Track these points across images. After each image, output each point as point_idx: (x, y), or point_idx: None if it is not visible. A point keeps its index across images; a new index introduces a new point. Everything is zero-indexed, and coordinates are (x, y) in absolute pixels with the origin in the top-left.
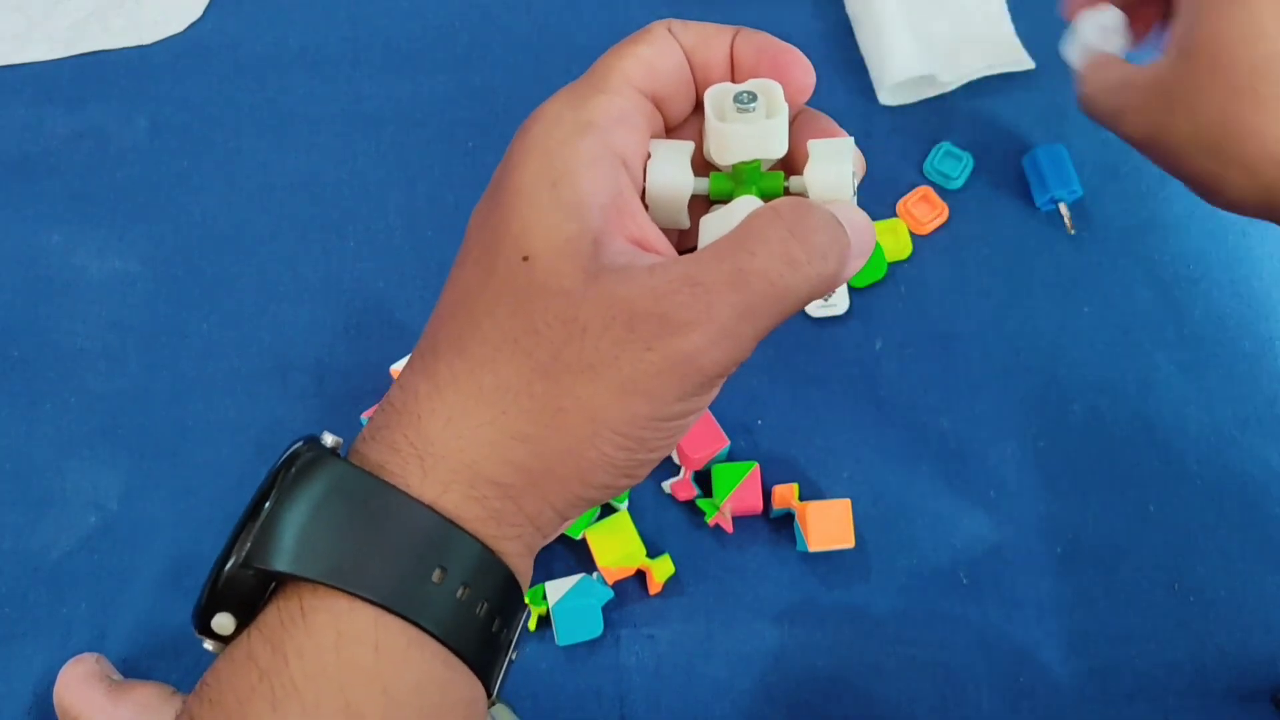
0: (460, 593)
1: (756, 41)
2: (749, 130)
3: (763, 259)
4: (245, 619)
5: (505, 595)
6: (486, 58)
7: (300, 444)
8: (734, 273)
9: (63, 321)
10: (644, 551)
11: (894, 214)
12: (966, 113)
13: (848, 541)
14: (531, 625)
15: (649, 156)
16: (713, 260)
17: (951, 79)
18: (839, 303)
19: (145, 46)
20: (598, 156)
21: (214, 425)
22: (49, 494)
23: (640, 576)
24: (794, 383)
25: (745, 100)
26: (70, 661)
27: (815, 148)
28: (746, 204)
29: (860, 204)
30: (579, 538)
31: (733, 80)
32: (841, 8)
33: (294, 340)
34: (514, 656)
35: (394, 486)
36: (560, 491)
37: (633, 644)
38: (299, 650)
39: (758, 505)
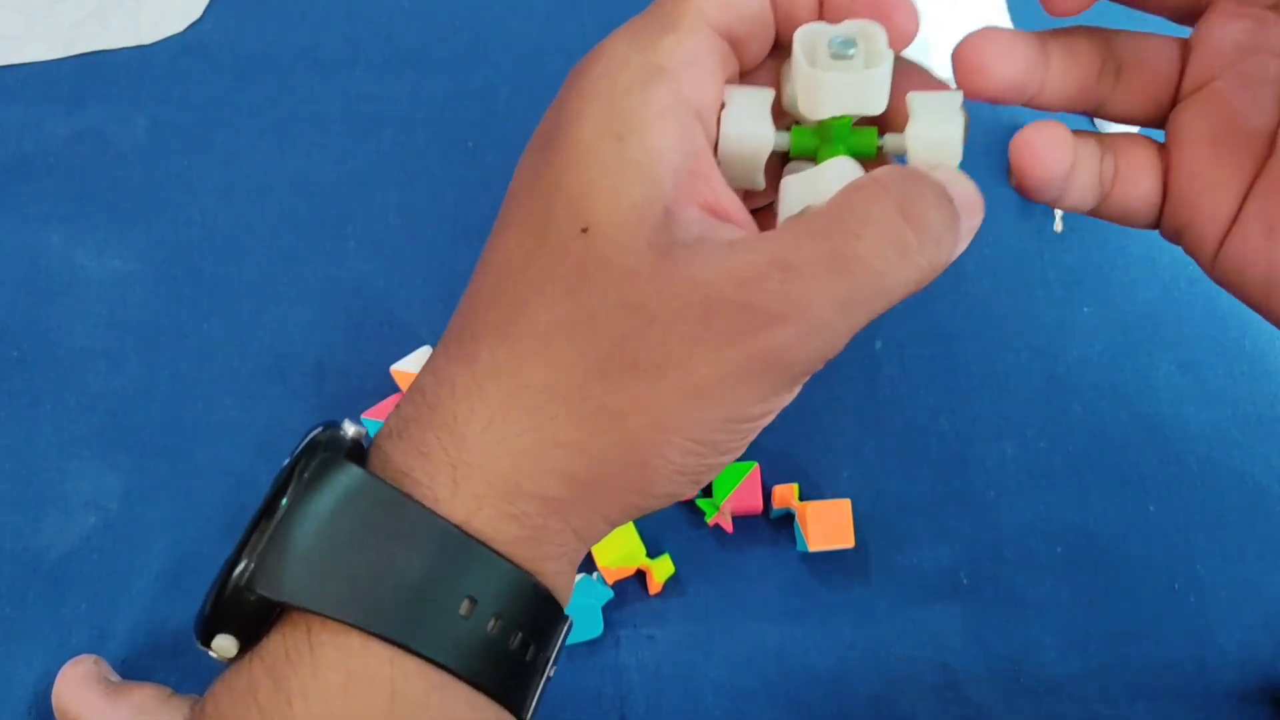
0: (491, 625)
1: None
2: (846, 81)
3: (869, 243)
4: (249, 641)
5: (543, 619)
6: (486, 58)
7: (320, 431)
8: (834, 257)
9: (63, 321)
10: (644, 551)
11: None
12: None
13: (848, 541)
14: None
15: (723, 106)
16: (808, 240)
17: (950, 78)
18: None
19: (145, 46)
20: (669, 107)
21: (214, 425)
22: (49, 494)
23: (640, 576)
24: None
25: (843, 45)
26: (69, 663)
27: (918, 102)
28: (840, 167)
29: None
30: None
31: (822, 19)
32: None
33: (294, 340)
34: (551, 674)
35: (420, 503)
36: (615, 502)
37: (633, 644)
38: (303, 691)
39: (758, 505)
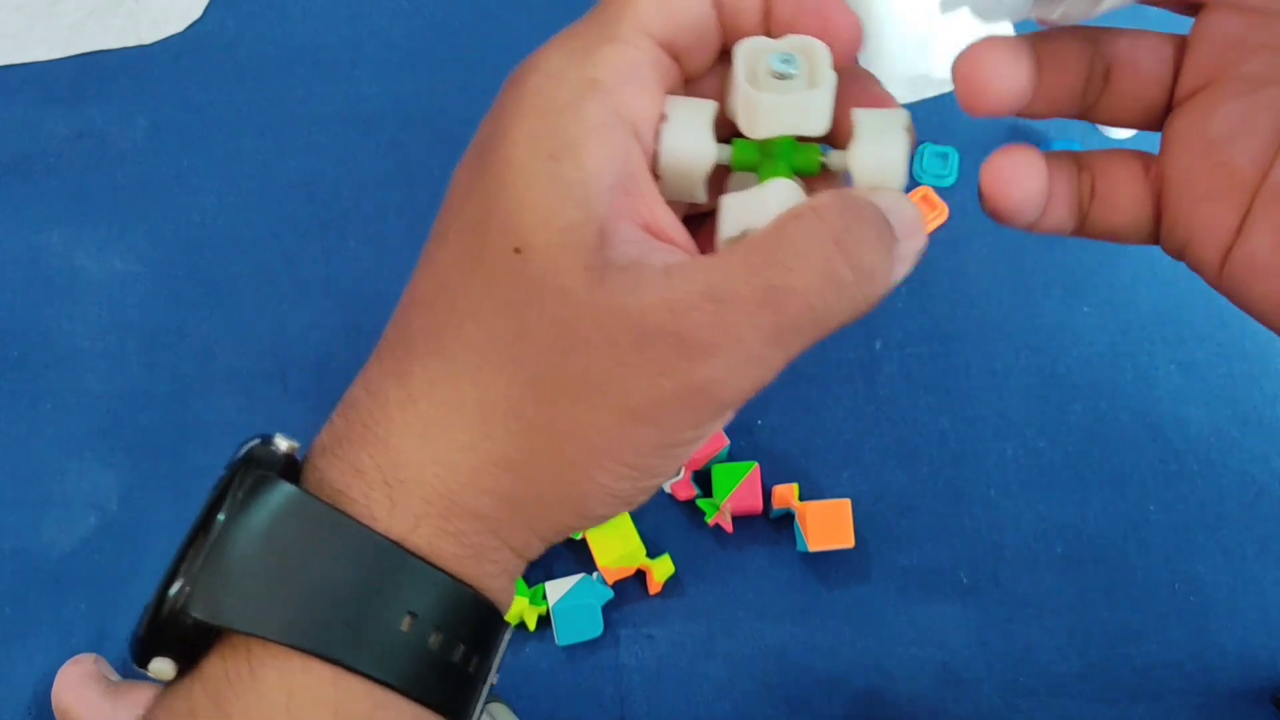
0: (433, 639)
1: None
2: (787, 101)
3: (801, 276)
4: (187, 662)
5: (485, 629)
6: (486, 58)
7: (255, 444)
8: (766, 290)
9: (63, 321)
10: (644, 551)
11: None
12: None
13: (848, 541)
14: (531, 625)
15: (663, 118)
16: (742, 272)
17: (949, 77)
18: None
19: (145, 46)
20: (606, 124)
21: (214, 425)
22: (49, 494)
23: (640, 576)
24: (794, 383)
25: (785, 64)
26: (68, 662)
27: (862, 120)
28: (780, 189)
29: None
30: (579, 538)
31: (767, 31)
32: None
33: (294, 340)
34: (495, 681)
35: (357, 521)
36: (549, 522)
37: (633, 644)
38: (245, 714)
39: (758, 505)
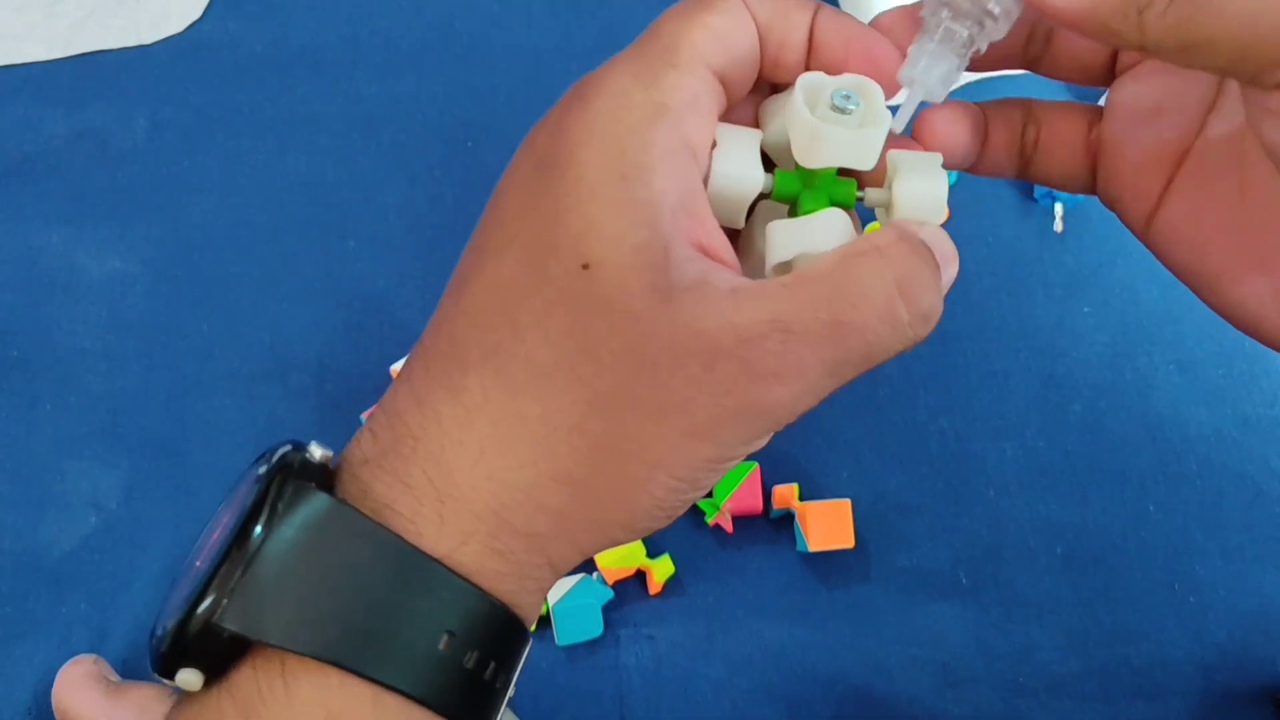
0: (468, 658)
1: (843, 26)
2: (848, 136)
3: (865, 314)
4: (214, 674)
5: (514, 647)
6: (486, 58)
7: (289, 451)
8: (831, 325)
9: (63, 321)
10: (644, 551)
11: None
12: None
13: (848, 541)
14: (531, 625)
15: (714, 145)
16: (809, 305)
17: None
18: None
19: (145, 46)
20: (672, 149)
21: (214, 425)
22: (49, 494)
23: (640, 576)
24: None
25: (845, 100)
26: (68, 663)
27: (903, 159)
28: (831, 219)
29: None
30: None
31: (808, 66)
32: (836, 6)
33: (294, 340)
34: (512, 694)
35: (402, 538)
36: (594, 535)
37: (633, 644)
38: None
39: (758, 505)
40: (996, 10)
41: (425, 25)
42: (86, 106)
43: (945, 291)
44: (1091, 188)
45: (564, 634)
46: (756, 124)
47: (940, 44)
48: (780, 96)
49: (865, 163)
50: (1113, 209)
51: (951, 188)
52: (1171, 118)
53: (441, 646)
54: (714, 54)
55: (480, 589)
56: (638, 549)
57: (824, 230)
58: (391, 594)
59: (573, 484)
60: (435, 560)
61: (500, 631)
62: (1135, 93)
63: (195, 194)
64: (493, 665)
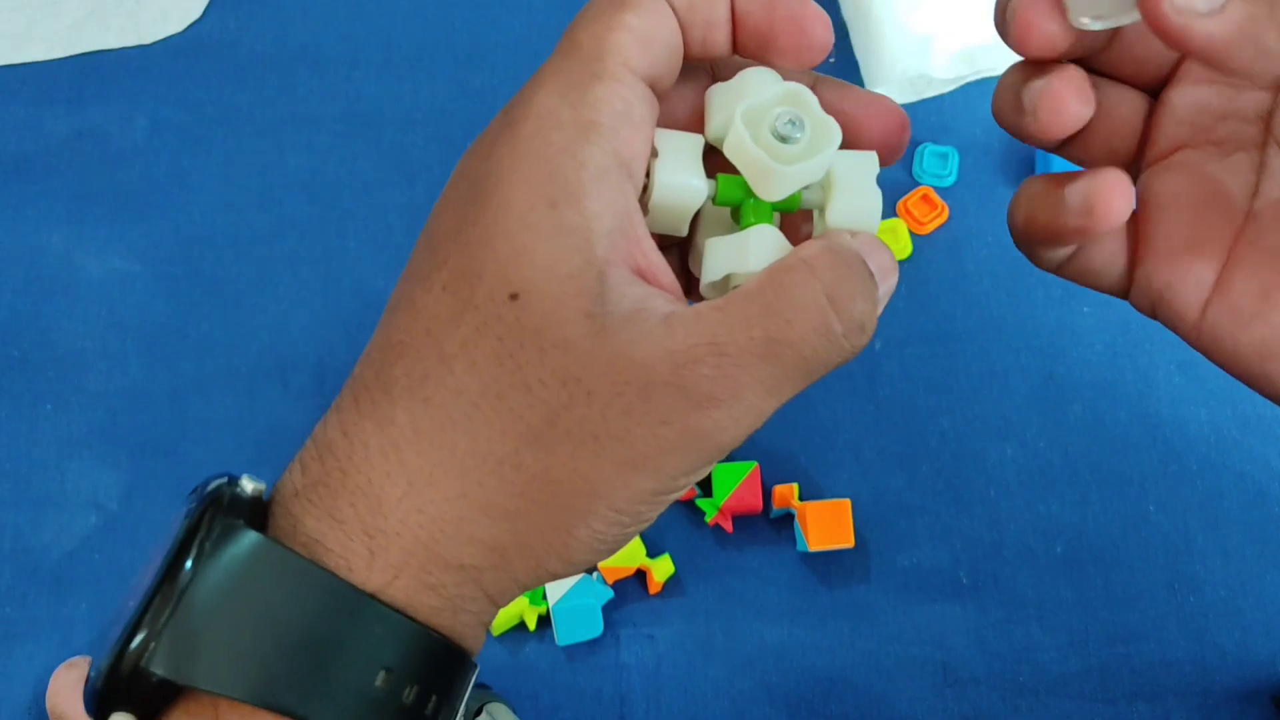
0: (408, 694)
1: None
2: (804, 167)
3: (798, 329)
4: (148, 719)
5: (457, 679)
6: (486, 58)
7: (221, 484)
8: (766, 343)
9: (63, 321)
10: (644, 551)
11: (894, 214)
12: (966, 112)
13: (848, 541)
14: (531, 625)
15: (653, 153)
16: (741, 325)
17: (950, 78)
18: None
19: (145, 46)
20: (605, 168)
21: (214, 425)
22: (49, 494)
23: (640, 576)
24: None
25: (790, 127)
26: (62, 666)
27: (840, 166)
28: (764, 237)
29: None
30: None
31: (735, 42)
32: (836, 7)
33: (294, 340)
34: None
35: (333, 574)
36: (532, 568)
37: (633, 644)
38: None
39: (758, 505)
40: None
41: (425, 25)
42: (86, 106)
43: (885, 303)
44: (1127, 288)
45: (564, 634)
46: (697, 110)
47: None
48: (725, 87)
49: (818, 178)
50: (1154, 309)
51: (947, 189)
52: (1218, 203)
53: (379, 683)
54: (639, 57)
55: (416, 622)
56: (638, 549)
57: (759, 248)
58: (323, 632)
59: (505, 516)
60: (368, 595)
61: (440, 663)
62: (1175, 182)
63: (195, 194)
64: (434, 699)
